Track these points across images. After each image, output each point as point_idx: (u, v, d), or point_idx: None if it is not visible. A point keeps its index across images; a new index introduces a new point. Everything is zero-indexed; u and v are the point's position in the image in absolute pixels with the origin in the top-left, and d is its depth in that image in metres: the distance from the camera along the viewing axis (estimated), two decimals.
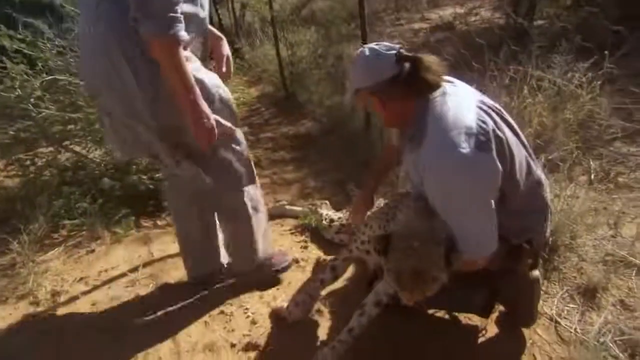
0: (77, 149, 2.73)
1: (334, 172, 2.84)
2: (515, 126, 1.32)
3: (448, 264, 1.15)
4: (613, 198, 2.10)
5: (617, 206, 2.05)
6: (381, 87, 1.23)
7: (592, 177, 2.30)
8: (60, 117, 2.56)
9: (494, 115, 1.23)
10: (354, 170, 2.70)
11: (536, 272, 1.47)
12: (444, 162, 1.13)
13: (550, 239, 1.85)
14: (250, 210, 1.68)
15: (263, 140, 3.59)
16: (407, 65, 1.22)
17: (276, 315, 1.66)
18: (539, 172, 1.33)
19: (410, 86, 1.21)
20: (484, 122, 1.16)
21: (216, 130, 1.40)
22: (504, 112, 1.30)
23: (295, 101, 4.01)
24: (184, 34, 1.26)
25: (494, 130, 1.16)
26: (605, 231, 1.94)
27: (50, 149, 2.72)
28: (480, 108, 1.21)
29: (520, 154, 1.26)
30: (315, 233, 2.19)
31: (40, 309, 1.81)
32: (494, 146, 1.14)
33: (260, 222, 1.73)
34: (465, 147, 1.11)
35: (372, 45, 1.26)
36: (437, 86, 1.23)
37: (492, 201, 1.16)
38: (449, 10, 6.01)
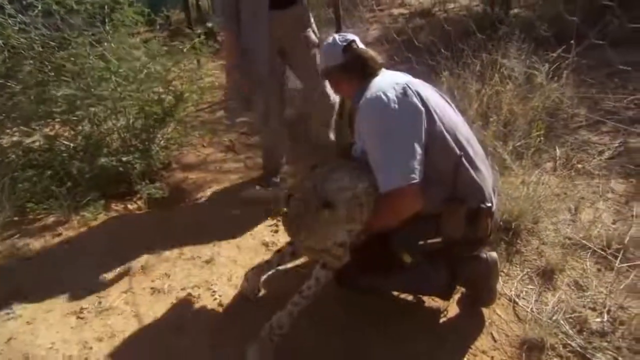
0: (45, 130, 2.65)
1: (308, 157, 2.85)
2: (450, 103, 1.55)
3: (316, 218, 1.32)
4: (574, 184, 2.18)
5: (577, 192, 2.13)
6: (332, 71, 1.57)
7: (557, 163, 2.37)
8: (26, 97, 2.47)
9: (428, 89, 1.47)
10: (328, 156, 2.71)
11: (494, 254, 1.53)
12: (372, 103, 1.36)
13: (514, 223, 1.93)
14: None
15: (238, 124, 3.55)
16: (350, 56, 1.52)
17: (244, 297, 1.69)
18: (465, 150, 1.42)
19: (354, 72, 1.52)
20: (412, 84, 1.40)
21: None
22: (443, 94, 1.55)
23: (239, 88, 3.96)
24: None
25: (418, 92, 1.37)
26: (565, 216, 2.02)
27: (15, 129, 2.63)
28: (413, 79, 1.47)
29: (458, 122, 1.46)
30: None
31: (1, 293, 1.77)
32: (416, 94, 1.36)
33: None
34: (391, 92, 1.35)
35: (336, 34, 1.58)
36: (375, 74, 1.50)
37: (419, 140, 1.31)
38: None
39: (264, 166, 2.59)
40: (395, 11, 5.79)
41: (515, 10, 4.46)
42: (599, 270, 1.72)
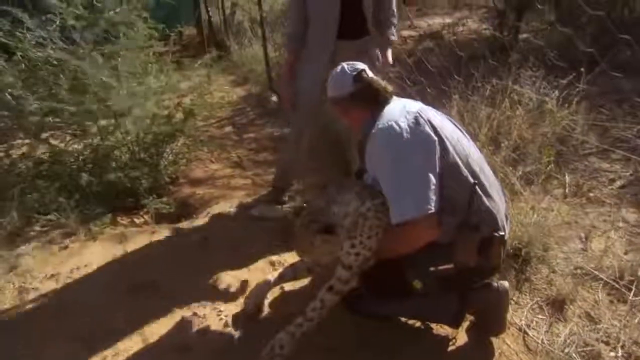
0: (55, 142, 2.67)
1: (316, 175, 2.84)
2: (462, 129, 1.53)
3: (312, 241, 1.41)
4: (585, 212, 2.16)
5: (588, 220, 2.10)
6: (342, 100, 1.54)
7: (567, 190, 2.36)
8: (38, 108, 2.50)
9: (440, 116, 1.46)
10: (337, 174, 2.71)
11: (505, 283, 1.51)
12: (384, 132, 1.36)
13: (523, 250, 1.90)
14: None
15: (247, 140, 3.58)
16: (361, 85, 1.50)
17: (246, 313, 1.68)
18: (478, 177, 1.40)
19: (364, 101, 1.50)
20: (423, 112, 1.40)
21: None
22: (454, 121, 1.54)
23: (282, 103, 4.01)
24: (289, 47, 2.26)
25: (430, 121, 1.37)
26: (576, 244, 1.99)
27: (27, 141, 2.65)
28: (425, 107, 1.47)
29: (472, 149, 1.45)
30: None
31: (5, 306, 1.75)
32: (428, 123, 1.36)
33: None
34: (403, 121, 1.35)
35: (344, 63, 1.55)
36: (385, 102, 1.50)
37: (432, 170, 1.30)
38: (437, 20, 6.10)
39: (274, 183, 2.57)
40: (405, 33, 5.86)
41: (525, 35, 4.51)
42: (611, 302, 1.69)
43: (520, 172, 2.23)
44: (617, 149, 2.55)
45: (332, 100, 1.58)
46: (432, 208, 1.27)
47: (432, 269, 1.36)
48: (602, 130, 2.75)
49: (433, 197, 1.27)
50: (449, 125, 1.46)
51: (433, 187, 1.28)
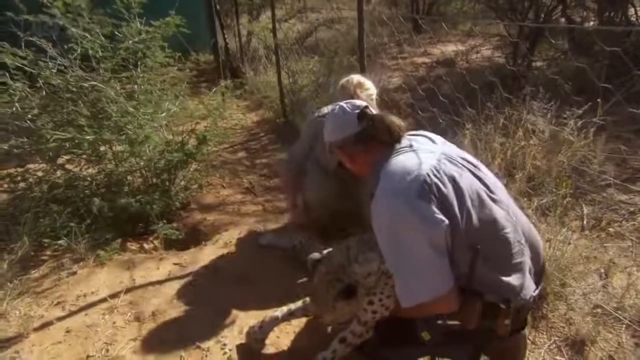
0: (70, 166, 2.71)
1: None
2: (490, 182, 1.31)
3: (334, 304, 1.35)
4: (604, 246, 2.08)
5: (607, 255, 2.02)
6: (347, 142, 1.36)
7: (585, 223, 2.28)
8: (56, 133, 2.55)
9: (454, 169, 1.24)
10: (348, 202, 2.68)
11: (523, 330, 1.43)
12: (384, 208, 1.19)
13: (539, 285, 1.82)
14: None
15: (259, 165, 3.59)
16: (368, 122, 1.33)
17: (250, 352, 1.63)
18: (514, 234, 1.27)
19: (372, 141, 1.32)
20: (434, 175, 1.19)
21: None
22: (479, 167, 1.33)
23: (294, 128, 4.04)
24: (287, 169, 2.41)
25: (437, 185, 1.17)
26: (595, 280, 1.91)
27: (43, 165, 2.70)
28: (440, 161, 1.24)
29: (485, 211, 1.23)
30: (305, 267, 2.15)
31: (9, 334, 1.74)
32: (433, 197, 1.16)
33: None
34: (405, 196, 1.16)
35: (343, 103, 1.40)
36: (396, 141, 1.31)
37: (433, 248, 1.15)
38: (451, 47, 6.12)
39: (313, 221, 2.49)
40: (418, 59, 5.90)
41: (538, 64, 4.49)
42: (637, 344, 1.60)
43: (535, 204, 2.17)
44: (636, 180, 2.48)
45: (336, 145, 1.39)
46: (443, 289, 1.17)
47: (439, 322, 1.28)
48: (619, 161, 2.68)
49: (443, 277, 1.17)
50: (467, 177, 1.25)
51: (441, 268, 1.17)
